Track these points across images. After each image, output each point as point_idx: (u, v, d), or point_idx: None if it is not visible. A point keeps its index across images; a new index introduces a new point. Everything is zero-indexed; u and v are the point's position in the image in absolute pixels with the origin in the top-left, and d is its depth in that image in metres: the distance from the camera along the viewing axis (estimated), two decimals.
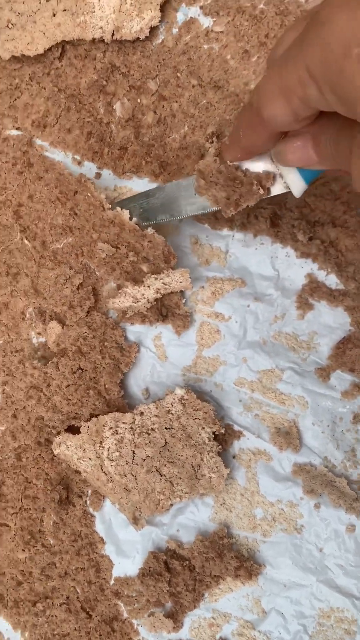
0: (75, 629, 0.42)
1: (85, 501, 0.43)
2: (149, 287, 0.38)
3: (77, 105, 0.44)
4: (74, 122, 0.44)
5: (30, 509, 0.43)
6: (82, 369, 0.41)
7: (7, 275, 0.45)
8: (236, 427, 0.39)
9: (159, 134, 0.42)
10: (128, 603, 0.40)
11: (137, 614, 0.40)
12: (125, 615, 0.41)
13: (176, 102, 0.42)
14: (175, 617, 0.39)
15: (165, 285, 0.38)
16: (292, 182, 0.31)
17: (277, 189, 0.33)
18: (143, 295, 0.39)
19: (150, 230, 0.39)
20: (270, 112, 0.25)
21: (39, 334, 0.44)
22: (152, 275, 0.38)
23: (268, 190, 0.33)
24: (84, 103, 0.44)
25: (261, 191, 0.33)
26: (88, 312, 0.41)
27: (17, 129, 0.46)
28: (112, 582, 0.41)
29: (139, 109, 0.43)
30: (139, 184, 0.42)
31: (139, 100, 0.43)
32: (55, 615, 0.42)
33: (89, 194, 0.41)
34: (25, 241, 0.44)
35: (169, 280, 0.38)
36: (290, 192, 0.32)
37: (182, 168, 0.41)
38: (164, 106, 0.42)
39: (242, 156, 0.32)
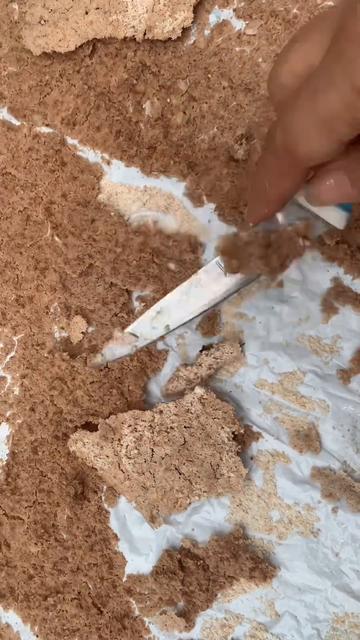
0: (85, 625, 0.42)
1: (100, 497, 0.43)
2: (200, 365, 0.39)
3: (106, 103, 0.45)
4: (103, 120, 0.44)
5: (44, 503, 0.44)
6: (109, 368, 0.41)
7: (34, 270, 0.45)
8: (255, 429, 0.39)
9: (187, 134, 0.42)
10: (140, 601, 0.40)
11: (149, 611, 0.40)
12: (137, 612, 0.41)
13: (206, 103, 0.42)
14: (187, 617, 0.39)
15: (217, 359, 0.39)
16: (332, 217, 0.29)
17: (318, 229, 0.31)
18: (196, 374, 0.39)
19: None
20: (309, 149, 0.22)
21: (62, 328, 0.44)
22: (203, 352, 0.39)
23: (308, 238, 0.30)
24: (113, 101, 0.45)
25: (307, 242, 0.30)
26: (121, 308, 0.42)
27: (47, 125, 0.46)
28: (124, 579, 0.41)
29: (169, 108, 0.43)
30: (167, 184, 0.42)
31: (168, 100, 0.43)
32: (66, 610, 0.43)
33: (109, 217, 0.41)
34: (56, 238, 0.44)
35: (220, 353, 0.39)
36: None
37: (210, 169, 0.42)
38: (193, 107, 0.43)
39: (271, 210, 0.28)
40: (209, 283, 0.34)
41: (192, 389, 0.39)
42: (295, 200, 0.28)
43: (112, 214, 0.43)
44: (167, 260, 0.41)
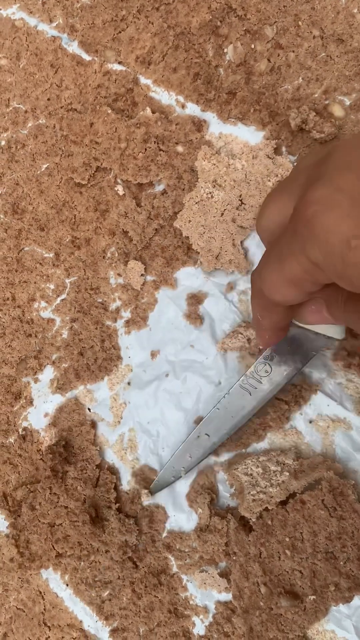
0: (119, 578, 0.41)
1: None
2: None
3: (186, 44, 0.43)
4: (181, 61, 0.43)
5: None
6: None
7: (94, 211, 0.43)
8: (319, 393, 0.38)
9: (270, 82, 0.41)
10: (179, 558, 0.39)
11: (188, 569, 0.39)
12: (175, 569, 0.40)
13: (293, 52, 0.40)
14: (229, 578, 0.38)
15: None
16: (329, 331, 0.32)
17: (321, 343, 0.34)
18: None
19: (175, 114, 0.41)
20: (281, 298, 0.26)
21: (119, 274, 0.43)
22: None
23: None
24: (193, 43, 0.43)
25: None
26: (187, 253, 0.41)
27: (120, 63, 0.44)
28: (164, 534, 0.40)
29: (252, 55, 0.41)
30: (244, 132, 0.40)
31: (252, 46, 0.41)
32: (99, 562, 0.41)
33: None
34: (119, 180, 0.43)
35: None
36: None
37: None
38: (279, 55, 0.41)
39: (272, 337, 0.32)
40: (236, 406, 0.37)
41: (251, 352, 0.38)
42: (293, 322, 0.33)
43: (109, 112, 0.42)
44: (173, 144, 0.41)
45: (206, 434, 0.37)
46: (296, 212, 0.24)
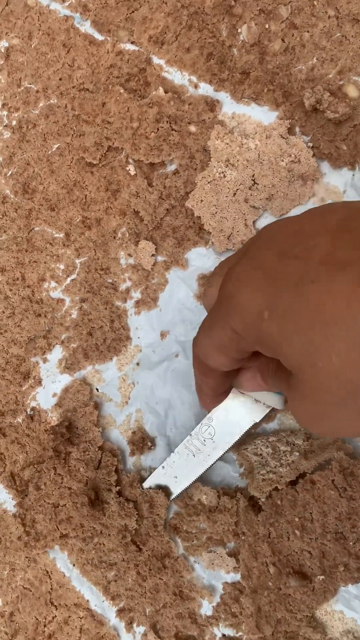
0: (123, 560, 0.41)
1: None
2: None
3: (199, 24, 0.42)
4: (194, 41, 0.42)
5: None
6: None
7: (105, 191, 0.43)
8: None
9: (284, 63, 0.40)
10: (186, 539, 0.39)
11: (195, 551, 0.39)
12: (181, 551, 0.39)
13: (308, 32, 0.40)
14: (237, 558, 0.38)
15: None
16: (269, 400, 0.33)
17: (260, 412, 0.34)
18: None
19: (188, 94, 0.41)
20: (213, 364, 0.29)
21: (129, 255, 0.42)
22: None
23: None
24: (207, 23, 0.42)
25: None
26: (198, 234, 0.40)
27: (133, 43, 0.44)
28: (171, 515, 0.40)
29: (266, 35, 0.41)
30: (257, 112, 0.40)
31: (267, 26, 0.41)
32: (103, 544, 0.41)
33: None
34: (130, 160, 0.42)
35: None
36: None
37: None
38: (293, 35, 0.40)
39: (212, 401, 0.35)
40: (181, 466, 0.37)
41: None
42: (236, 390, 0.34)
43: (121, 91, 0.42)
44: (186, 124, 0.41)
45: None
46: (221, 286, 0.27)
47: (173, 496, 0.38)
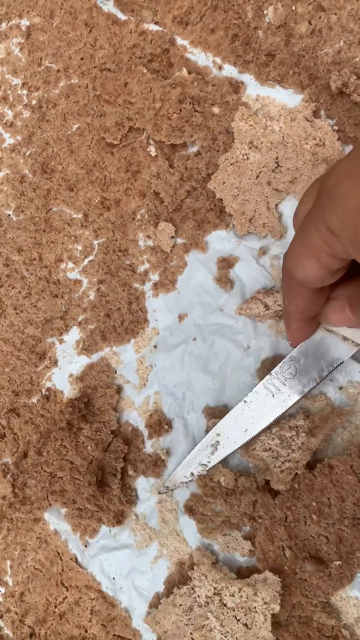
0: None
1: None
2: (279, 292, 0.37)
3: (225, 5, 0.42)
4: (219, 22, 0.42)
5: None
6: None
7: (125, 172, 0.43)
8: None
9: (311, 45, 0.40)
10: (201, 521, 0.39)
11: (210, 533, 0.39)
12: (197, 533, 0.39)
13: (335, 14, 0.40)
14: (253, 541, 0.37)
15: None
16: (357, 337, 0.31)
17: (349, 350, 0.33)
18: (276, 301, 0.37)
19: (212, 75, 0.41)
20: (303, 274, 0.27)
21: (148, 237, 0.42)
22: None
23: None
24: (232, 4, 0.42)
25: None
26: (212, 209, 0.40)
27: (156, 23, 0.44)
28: (187, 497, 0.40)
29: (292, 16, 0.41)
30: (282, 94, 0.40)
31: (293, 8, 0.41)
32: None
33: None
34: (151, 141, 0.42)
35: None
36: None
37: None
38: (320, 17, 0.40)
39: (299, 328, 0.32)
40: (258, 407, 0.35)
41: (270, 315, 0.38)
42: (324, 326, 0.32)
43: (144, 71, 0.42)
44: (209, 105, 0.41)
45: (217, 441, 0.37)
46: (320, 186, 0.25)
47: (242, 442, 0.36)
